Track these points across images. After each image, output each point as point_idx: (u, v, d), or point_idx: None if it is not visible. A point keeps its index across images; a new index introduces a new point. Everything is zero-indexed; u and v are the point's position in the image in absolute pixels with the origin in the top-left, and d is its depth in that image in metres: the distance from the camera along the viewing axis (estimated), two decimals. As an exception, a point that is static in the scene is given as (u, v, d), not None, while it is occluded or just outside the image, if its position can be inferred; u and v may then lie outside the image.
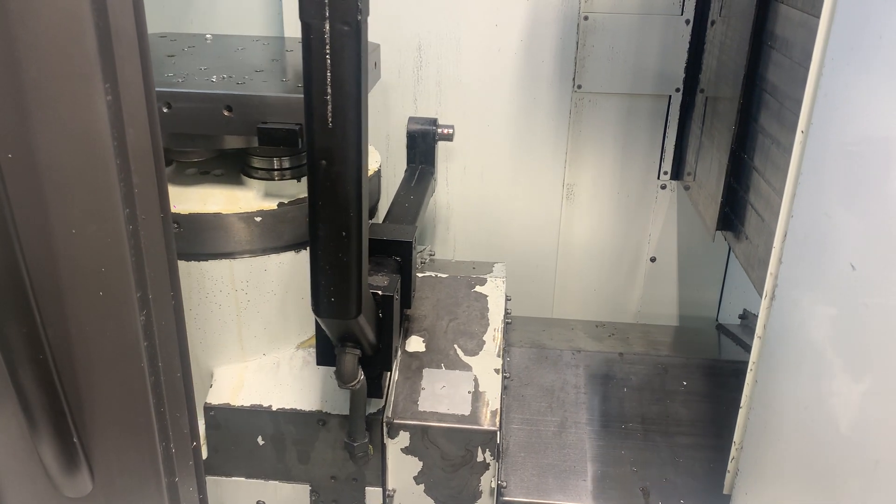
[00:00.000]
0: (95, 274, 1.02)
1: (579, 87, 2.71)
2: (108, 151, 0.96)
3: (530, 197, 2.89)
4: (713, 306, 3.04)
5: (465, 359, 2.04)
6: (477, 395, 1.94)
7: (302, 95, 1.65)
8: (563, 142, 2.79)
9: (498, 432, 1.88)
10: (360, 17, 1.25)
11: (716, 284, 3.00)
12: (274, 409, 1.92)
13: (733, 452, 1.78)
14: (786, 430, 1.53)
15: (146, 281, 1.06)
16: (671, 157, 2.79)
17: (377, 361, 1.77)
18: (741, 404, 1.74)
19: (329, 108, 1.31)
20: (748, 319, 2.86)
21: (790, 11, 1.81)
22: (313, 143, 1.36)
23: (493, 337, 2.11)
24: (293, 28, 2.72)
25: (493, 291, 2.28)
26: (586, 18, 2.61)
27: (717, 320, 3.04)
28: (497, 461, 1.91)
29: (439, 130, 2.45)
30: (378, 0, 2.55)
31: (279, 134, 1.73)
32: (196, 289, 1.89)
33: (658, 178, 2.83)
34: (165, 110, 1.76)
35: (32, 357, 1.01)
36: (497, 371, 2.01)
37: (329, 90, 1.30)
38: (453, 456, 1.89)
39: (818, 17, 1.41)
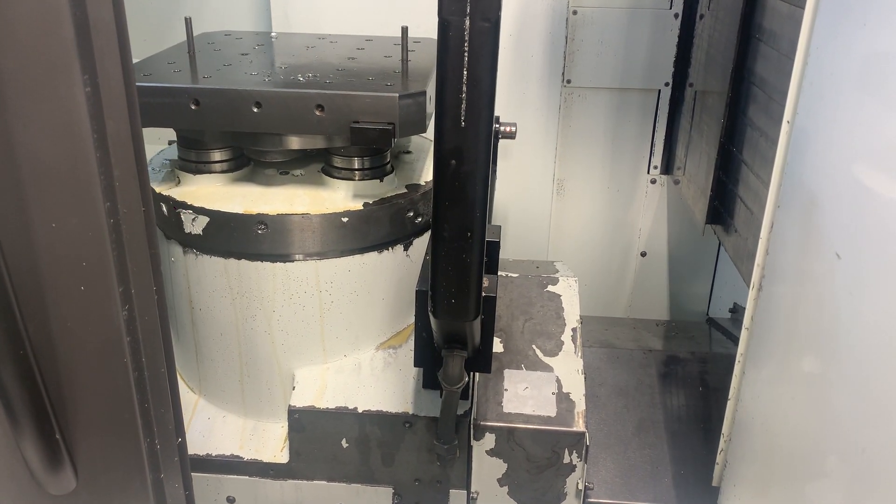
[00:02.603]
0: (76, 268, 1.01)
1: (569, 81, 2.70)
2: (87, 144, 0.95)
3: (521, 192, 2.88)
4: (703, 300, 3.04)
5: (545, 359, 2.01)
6: (561, 397, 1.91)
7: (394, 94, 1.64)
8: (552, 137, 2.79)
9: (586, 433, 1.85)
10: (499, 14, 1.22)
11: (706, 278, 3.00)
12: (360, 411, 1.87)
13: (721, 444, 1.79)
14: (773, 420, 1.53)
15: (128, 276, 1.05)
16: (661, 152, 2.79)
17: (476, 363, 1.72)
18: (729, 396, 1.75)
19: (463, 106, 1.27)
20: (738, 313, 2.87)
21: (778, 4, 1.81)
22: (443, 142, 1.31)
23: (572, 337, 2.08)
24: (280, 23, 2.71)
25: (567, 291, 2.24)
26: (575, 13, 2.61)
27: (707, 314, 3.04)
28: (584, 462, 1.88)
29: (502, 128, 2.36)
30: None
31: (373, 134, 1.70)
32: (281, 290, 1.85)
33: (648, 172, 2.83)
34: (256, 110, 1.73)
35: (13, 353, 0.99)
36: (580, 372, 1.98)
37: (465, 88, 1.26)
38: (539, 458, 1.86)
39: (804, 8, 1.41)
